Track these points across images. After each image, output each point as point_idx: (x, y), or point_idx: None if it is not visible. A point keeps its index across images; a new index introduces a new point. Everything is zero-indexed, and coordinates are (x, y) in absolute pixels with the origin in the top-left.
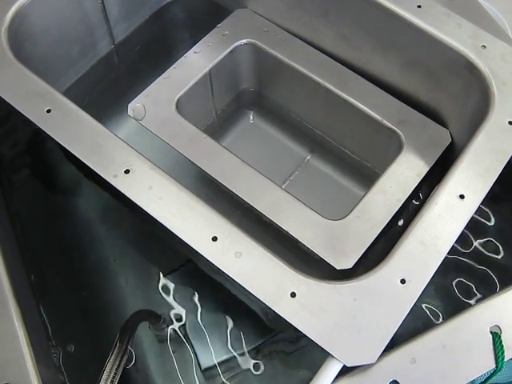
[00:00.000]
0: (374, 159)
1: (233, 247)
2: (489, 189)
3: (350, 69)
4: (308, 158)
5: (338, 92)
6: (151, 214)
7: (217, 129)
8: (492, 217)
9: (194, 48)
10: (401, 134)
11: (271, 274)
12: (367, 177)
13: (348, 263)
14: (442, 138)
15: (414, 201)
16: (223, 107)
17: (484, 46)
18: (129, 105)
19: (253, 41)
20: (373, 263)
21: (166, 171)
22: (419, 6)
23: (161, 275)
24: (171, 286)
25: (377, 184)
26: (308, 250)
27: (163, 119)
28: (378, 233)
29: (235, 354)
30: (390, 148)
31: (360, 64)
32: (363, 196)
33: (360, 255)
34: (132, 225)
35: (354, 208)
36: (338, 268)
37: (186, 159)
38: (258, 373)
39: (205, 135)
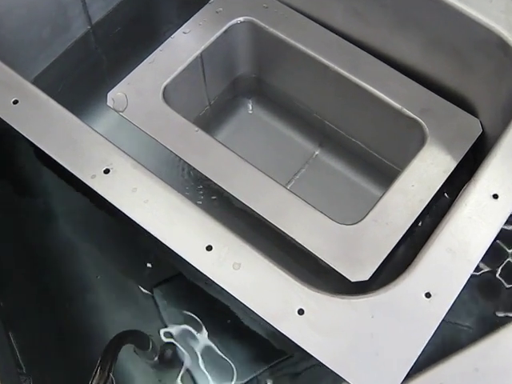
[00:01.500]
0: (392, 154)
1: (230, 257)
2: None
3: (363, 49)
4: (316, 153)
5: (350, 76)
6: (135, 219)
7: (210, 121)
8: None
9: (183, 28)
10: (424, 124)
11: (275, 288)
12: (385, 174)
13: (364, 275)
14: (471, 128)
15: (439, 202)
16: (217, 96)
17: None
18: (108, 94)
19: (251, 18)
20: (393, 274)
21: (152, 170)
22: None
23: (148, 291)
24: (160, 303)
25: (396, 183)
26: (317, 260)
27: (148, 110)
28: (399, 239)
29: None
30: (412, 141)
31: (375, 44)
32: (381, 197)
33: (378, 265)
34: (114, 233)
35: (370, 211)
36: (352, 280)
37: (176, 156)
38: None
39: (196, 128)
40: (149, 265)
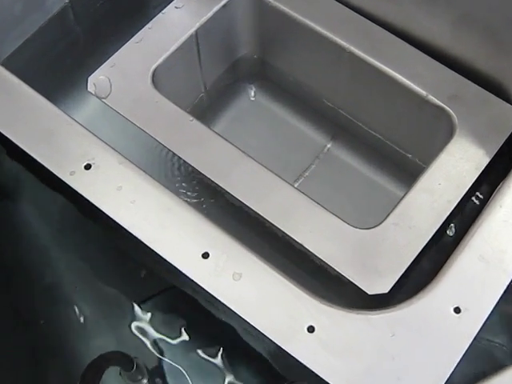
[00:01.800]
0: (416, 147)
1: (230, 266)
2: None
3: (384, 28)
4: (328, 146)
5: (369, 58)
6: (120, 222)
7: (207, 109)
8: None
9: (176, 1)
10: (452, 113)
11: (281, 302)
12: (407, 171)
13: (383, 287)
14: (506, 117)
15: (470, 203)
16: (215, 80)
17: None
18: (89, 78)
19: None
20: (417, 286)
21: (139, 166)
22: None
23: (135, 306)
24: (148, 319)
25: (420, 180)
26: (329, 270)
27: (135, 97)
28: (423, 245)
29: None
30: (438, 132)
31: (397, 21)
32: (403, 197)
33: (399, 276)
34: (96, 239)
35: (390, 212)
36: (370, 293)
37: (167, 150)
38: None
39: (191, 117)
40: (137, 275)
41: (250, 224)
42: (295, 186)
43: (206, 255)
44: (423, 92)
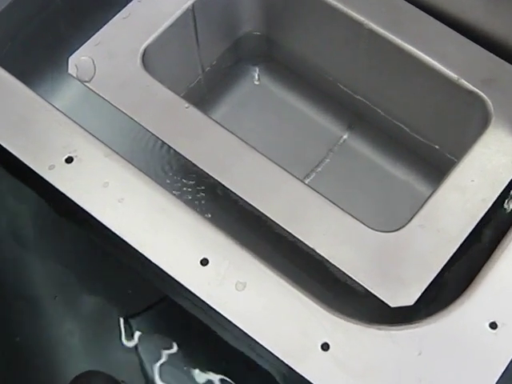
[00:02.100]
0: (445, 138)
1: (232, 275)
2: None
3: (408, 1)
4: (344, 137)
5: (391, 36)
6: (106, 224)
7: (205, 94)
8: None
9: None
10: (487, 99)
11: (291, 316)
12: (436, 166)
13: (408, 298)
14: None
15: (508, 202)
16: (214, 61)
17: None
18: (70, 58)
19: None
20: (446, 298)
21: (128, 159)
22: None
23: (123, 321)
24: (137, 335)
25: (451, 176)
26: (346, 279)
27: (123, 80)
28: (454, 251)
29: None
30: (471, 121)
31: None
32: (430, 195)
33: (426, 285)
34: (79, 243)
35: (416, 213)
36: (392, 306)
37: (159, 141)
38: None
39: (187, 104)
40: (126, 285)
41: (254, 226)
42: (306, 182)
43: (204, 262)
44: (454, 75)
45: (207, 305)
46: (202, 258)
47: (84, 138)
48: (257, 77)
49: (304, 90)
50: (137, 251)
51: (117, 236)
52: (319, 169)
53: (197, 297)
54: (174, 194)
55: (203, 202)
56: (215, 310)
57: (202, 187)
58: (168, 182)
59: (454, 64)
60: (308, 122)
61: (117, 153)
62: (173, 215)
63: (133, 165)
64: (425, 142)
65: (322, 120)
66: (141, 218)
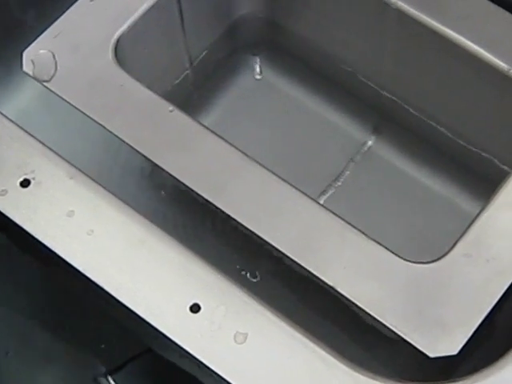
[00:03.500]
0: (495, 144)
1: (230, 323)
2: None
3: None
4: (369, 143)
5: (424, 18)
6: (72, 263)
7: (194, 93)
8: None
9: None
10: None
11: (304, 374)
12: (485, 178)
13: (451, 346)
14: None
15: None
16: (204, 51)
17: None
18: (24, 53)
19: None
20: (497, 346)
21: (100, 180)
22: None
23: (99, 379)
24: None
25: (502, 191)
26: (373, 322)
27: (91, 79)
28: (508, 285)
29: None
30: None
31: None
32: (477, 215)
33: (473, 330)
34: (39, 285)
35: (459, 239)
36: (431, 355)
37: (138, 154)
38: None
39: (171, 106)
40: (100, 335)
41: (258, 259)
42: (321, 201)
43: (195, 308)
44: (504, 64)
45: (199, 361)
46: (191, 304)
47: (43, 156)
48: (258, 69)
49: (317, 85)
50: (109, 294)
51: (86, 277)
52: (338, 183)
53: (185, 351)
54: (157, 223)
55: (193, 230)
56: (209, 368)
57: (192, 212)
58: (153, 206)
59: (505, 51)
60: (323, 125)
61: (84, 173)
62: (155, 249)
63: (104, 188)
64: (470, 149)
65: (341, 122)
66: (115, 255)
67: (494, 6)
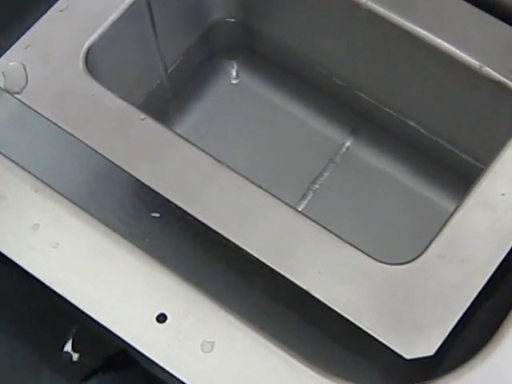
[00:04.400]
0: (470, 141)
1: (197, 333)
2: None
3: None
4: (347, 144)
5: (395, 18)
6: (37, 276)
7: (170, 100)
8: None
9: None
10: None
11: (273, 380)
12: (462, 175)
13: (427, 347)
14: None
15: None
16: (179, 58)
17: None
18: None
19: None
20: (474, 344)
21: (64, 195)
22: None
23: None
24: None
25: (475, 191)
26: (348, 326)
27: (62, 89)
28: (482, 285)
29: None
30: (500, 119)
31: None
32: (450, 215)
33: (449, 330)
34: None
35: (433, 239)
36: (407, 357)
37: (109, 163)
38: None
39: (142, 115)
40: (67, 348)
41: (229, 267)
42: (303, 203)
43: (162, 318)
44: (475, 62)
45: (166, 372)
46: (158, 314)
47: (7, 170)
48: (234, 74)
49: (294, 88)
50: (74, 306)
51: (49, 288)
52: (316, 186)
53: (151, 361)
54: (125, 234)
55: (163, 239)
56: (177, 378)
57: (165, 220)
58: (123, 218)
59: (475, 48)
60: (301, 127)
61: (50, 186)
62: (120, 260)
63: (70, 200)
64: (446, 147)
65: (319, 124)
66: (80, 266)
67: (464, 4)
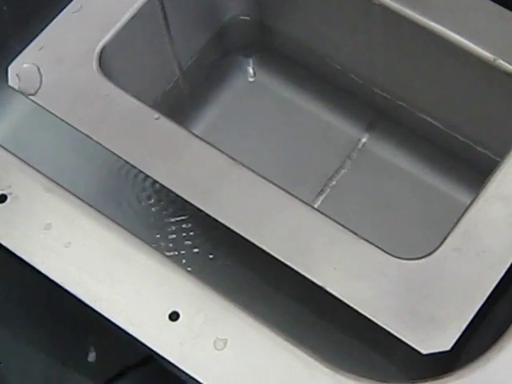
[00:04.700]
0: (486, 134)
1: (209, 330)
2: None
3: None
4: (363, 140)
5: (408, 12)
6: (51, 276)
7: (186, 98)
8: None
9: None
10: None
11: (286, 379)
12: (481, 170)
13: (443, 342)
14: None
15: None
16: (194, 56)
17: None
18: (9, 67)
19: None
20: (493, 338)
21: (80, 195)
22: None
23: None
24: None
25: (491, 183)
26: (363, 322)
27: (76, 90)
28: (499, 278)
29: None
30: None
31: None
32: (466, 209)
33: (466, 324)
34: (20, 298)
35: (449, 233)
36: (424, 352)
37: (124, 163)
38: None
39: (156, 114)
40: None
41: (242, 263)
42: (320, 199)
43: (174, 316)
44: (489, 55)
45: (180, 370)
46: (170, 312)
47: (19, 170)
48: (251, 71)
49: (310, 85)
50: (88, 306)
51: (63, 288)
52: (333, 183)
53: (165, 360)
54: (143, 231)
55: (177, 239)
56: (190, 376)
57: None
58: (145, 216)
59: (490, 41)
60: (318, 124)
61: (62, 186)
62: (132, 259)
63: (82, 200)
64: (463, 141)
65: (335, 121)
66: (93, 266)
67: None
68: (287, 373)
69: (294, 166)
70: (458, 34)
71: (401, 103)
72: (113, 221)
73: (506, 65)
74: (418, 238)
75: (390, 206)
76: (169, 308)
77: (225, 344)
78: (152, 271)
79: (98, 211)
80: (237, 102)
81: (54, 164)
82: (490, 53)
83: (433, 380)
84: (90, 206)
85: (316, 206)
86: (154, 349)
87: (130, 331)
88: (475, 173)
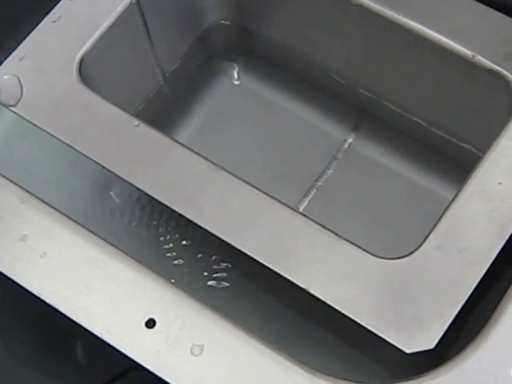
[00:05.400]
0: (468, 131)
1: (186, 337)
2: None
3: None
4: (349, 141)
5: (386, 11)
6: (27, 287)
7: (170, 104)
8: None
9: None
10: (511, 77)
11: (263, 381)
12: (462, 167)
13: (427, 340)
14: None
15: None
16: (177, 62)
17: None
18: None
19: None
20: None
21: (52, 205)
22: None
23: None
24: None
25: (471, 180)
26: (346, 323)
27: (57, 100)
28: (481, 276)
29: None
30: (495, 106)
31: None
32: (447, 207)
33: (449, 322)
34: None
35: (431, 231)
36: (408, 351)
37: (106, 171)
38: None
39: (136, 121)
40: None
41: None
42: (306, 200)
43: (151, 323)
44: (468, 51)
45: (157, 377)
46: (147, 319)
47: None
48: (236, 75)
49: (295, 86)
50: (63, 315)
51: (38, 298)
52: (320, 183)
53: (144, 368)
54: (120, 240)
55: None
56: (168, 383)
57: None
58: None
59: (468, 38)
60: (303, 126)
61: (37, 197)
62: (108, 267)
63: (57, 210)
64: (447, 138)
65: (321, 122)
66: (69, 276)
67: None
68: (264, 377)
69: (280, 167)
70: (437, 31)
71: (385, 103)
72: (87, 229)
73: (485, 61)
74: (406, 236)
75: (377, 205)
76: (145, 315)
77: (202, 350)
78: (128, 279)
79: (74, 221)
80: (222, 105)
81: (32, 174)
82: (469, 49)
83: (407, 380)
84: (65, 215)
85: (302, 208)
86: (131, 356)
87: (106, 340)
88: (460, 169)
